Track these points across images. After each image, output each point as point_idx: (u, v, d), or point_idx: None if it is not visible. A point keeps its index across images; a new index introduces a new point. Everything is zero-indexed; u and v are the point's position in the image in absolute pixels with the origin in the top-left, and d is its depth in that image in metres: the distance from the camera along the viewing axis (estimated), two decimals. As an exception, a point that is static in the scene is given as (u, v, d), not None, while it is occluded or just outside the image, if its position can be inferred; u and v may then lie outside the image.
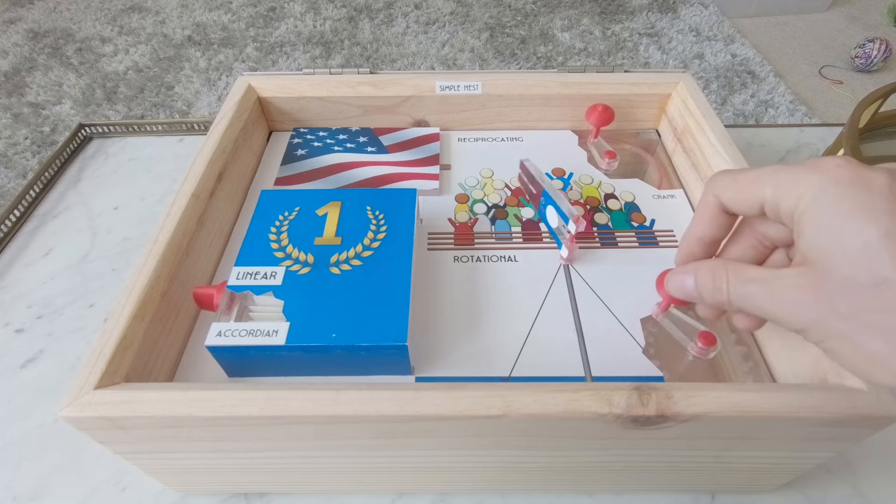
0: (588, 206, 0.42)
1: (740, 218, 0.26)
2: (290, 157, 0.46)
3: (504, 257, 0.38)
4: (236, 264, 0.32)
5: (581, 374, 0.32)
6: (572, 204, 0.42)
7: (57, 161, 0.54)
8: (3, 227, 0.47)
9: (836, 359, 0.21)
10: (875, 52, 1.63)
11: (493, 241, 0.40)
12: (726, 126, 0.42)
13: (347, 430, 0.26)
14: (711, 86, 1.62)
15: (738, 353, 0.33)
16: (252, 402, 0.25)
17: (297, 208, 0.36)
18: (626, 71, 0.47)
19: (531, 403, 0.25)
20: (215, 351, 0.29)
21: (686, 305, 0.29)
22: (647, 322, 0.34)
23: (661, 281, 0.29)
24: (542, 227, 0.41)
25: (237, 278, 0.32)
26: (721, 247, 0.28)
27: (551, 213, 0.38)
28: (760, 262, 0.26)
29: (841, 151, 0.50)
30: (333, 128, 0.49)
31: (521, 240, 0.40)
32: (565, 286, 0.37)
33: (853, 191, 0.20)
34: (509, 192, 0.44)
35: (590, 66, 0.47)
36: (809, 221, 0.21)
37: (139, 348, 0.28)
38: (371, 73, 0.47)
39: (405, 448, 0.27)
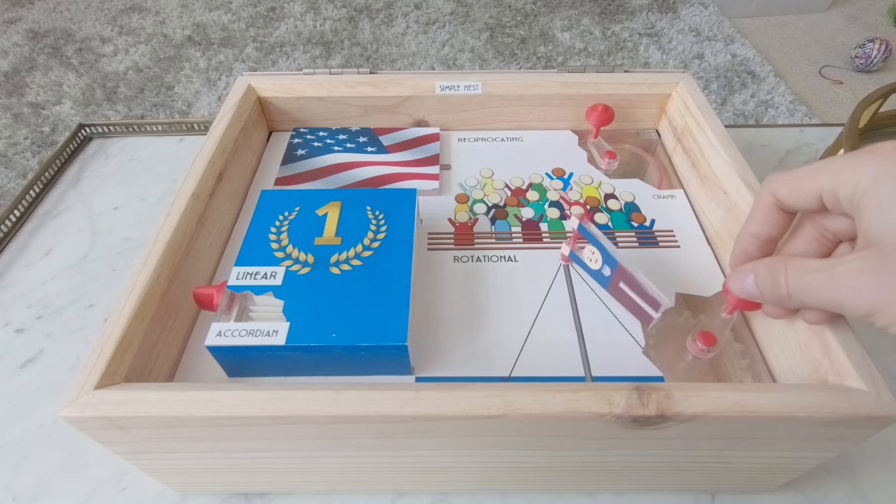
0: (588, 206, 0.42)
1: (797, 217, 0.26)
2: (290, 157, 0.46)
3: (504, 257, 0.38)
4: (236, 264, 0.32)
5: (581, 374, 0.32)
6: (572, 204, 0.42)
7: (57, 161, 0.54)
8: (3, 227, 0.47)
9: None
10: (875, 52, 1.63)
11: (493, 241, 0.40)
12: (726, 126, 0.42)
13: (347, 430, 0.26)
14: (711, 86, 1.62)
15: (738, 353, 0.33)
16: (252, 402, 0.25)
17: (297, 208, 0.36)
18: (626, 71, 0.47)
19: (531, 403, 0.25)
20: (215, 351, 0.29)
21: (754, 308, 0.28)
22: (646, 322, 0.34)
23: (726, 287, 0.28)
24: (543, 226, 0.41)
25: (237, 278, 0.32)
26: (783, 244, 0.27)
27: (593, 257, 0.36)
28: (825, 256, 0.26)
29: (841, 151, 0.50)
30: (333, 128, 0.49)
31: (521, 240, 0.40)
32: (565, 286, 0.37)
33: None
34: (509, 192, 0.44)
35: (590, 66, 0.47)
36: (869, 202, 0.21)
37: (139, 348, 0.28)
38: (371, 73, 0.47)
39: (405, 448, 0.27)
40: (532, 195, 0.43)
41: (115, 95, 1.59)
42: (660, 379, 0.31)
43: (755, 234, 0.27)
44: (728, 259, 0.37)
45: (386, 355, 0.30)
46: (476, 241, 0.40)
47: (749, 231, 0.27)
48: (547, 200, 0.43)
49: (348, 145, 0.47)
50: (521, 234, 0.40)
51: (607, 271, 0.34)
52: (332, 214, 0.35)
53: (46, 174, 0.52)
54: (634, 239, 0.40)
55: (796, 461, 0.29)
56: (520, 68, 1.70)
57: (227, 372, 0.31)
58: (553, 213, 0.42)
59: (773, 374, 0.31)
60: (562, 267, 0.38)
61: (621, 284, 0.34)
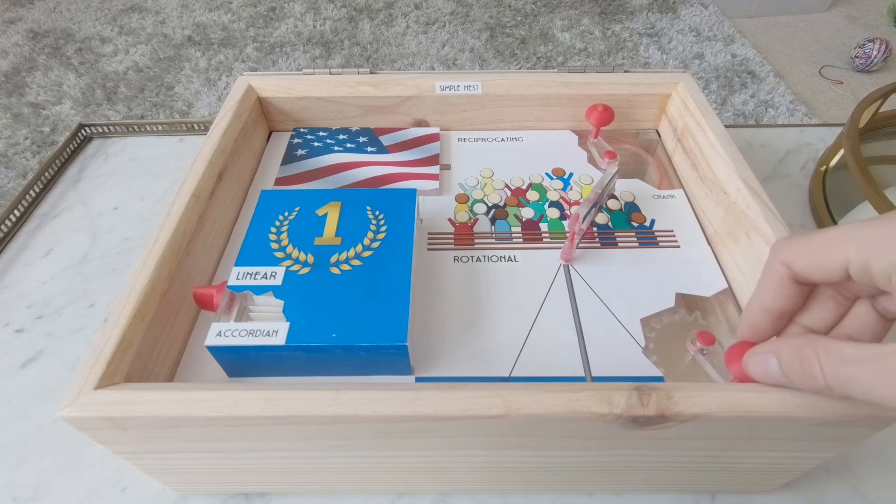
0: (588, 206, 0.42)
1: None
2: (290, 157, 0.46)
3: (504, 257, 0.38)
4: (236, 264, 0.32)
5: (581, 374, 0.32)
6: (571, 204, 0.42)
7: (57, 161, 0.54)
8: (3, 227, 0.47)
9: None
10: (875, 52, 1.63)
11: (493, 241, 0.40)
12: (726, 126, 0.42)
13: (347, 430, 0.26)
14: (711, 86, 1.62)
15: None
16: (252, 402, 0.25)
17: (297, 208, 0.36)
18: (626, 71, 0.47)
19: (531, 403, 0.25)
20: (215, 351, 0.29)
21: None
22: (647, 322, 0.34)
23: (731, 356, 0.26)
24: (543, 226, 0.41)
25: (237, 278, 0.32)
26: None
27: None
28: (840, 316, 0.24)
29: (841, 152, 0.50)
30: (333, 128, 0.49)
31: (521, 240, 0.40)
32: (565, 286, 0.37)
33: None
34: (509, 192, 0.44)
35: (590, 66, 0.47)
36: None
37: (139, 348, 0.28)
38: (371, 73, 0.47)
39: (405, 448, 0.27)
40: (532, 195, 0.43)
41: (115, 95, 1.59)
42: (660, 379, 0.31)
43: (767, 308, 0.24)
44: (727, 260, 0.37)
45: (386, 355, 0.30)
46: (476, 241, 0.40)
47: (760, 305, 0.24)
48: (547, 200, 0.43)
49: (348, 145, 0.47)
50: (521, 234, 0.40)
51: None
52: (332, 214, 0.35)
53: (46, 174, 0.52)
54: (634, 239, 0.40)
55: (796, 461, 0.29)
56: (520, 68, 1.70)
57: (227, 372, 0.31)
58: (553, 213, 0.42)
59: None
60: (562, 267, 0.38)
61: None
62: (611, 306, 0.35)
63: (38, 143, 1.44)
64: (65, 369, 0.39)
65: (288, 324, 0.29)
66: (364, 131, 0.49)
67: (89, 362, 0.26)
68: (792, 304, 0.24)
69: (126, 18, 1.90)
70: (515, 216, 0.42)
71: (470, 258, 0.38)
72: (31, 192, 0.51)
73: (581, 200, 0.43)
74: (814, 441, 0.27)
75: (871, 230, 0.20)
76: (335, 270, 0.32)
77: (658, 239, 0.40)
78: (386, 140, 0.48)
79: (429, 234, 0.40)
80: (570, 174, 0.45)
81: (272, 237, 0.34)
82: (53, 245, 0.47)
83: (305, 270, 0.32)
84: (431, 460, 0.29)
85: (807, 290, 0.24)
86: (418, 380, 0.31)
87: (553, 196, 0.43)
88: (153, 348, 0.30)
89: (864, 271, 0.20)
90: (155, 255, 0.31)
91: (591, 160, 0.47)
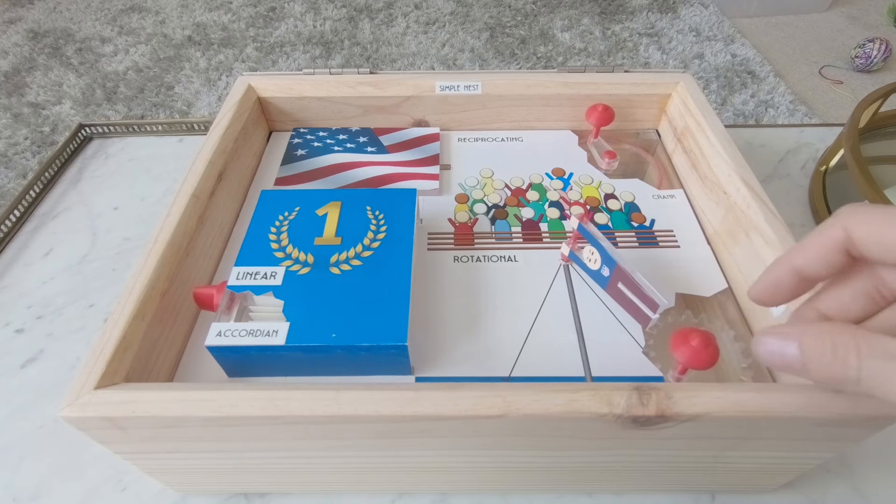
0: (588, 206, 0.42)
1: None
2: (290, 157, 0.46)
3: (504, 257, 0.38)
4: (236, 264, 0.32)
5: (581, 374, 0.32)
6: (571, 204, 0.42)
7: (57, 161, 0.54)
8: (3, 227, 0.47)
9: None
10: (875, 52, 1.64)
11: (493, 241, 0.40)
12: (726, 126, 0.42)
13: (347, 431, 0.26)
14: (711, 86, 1.62)
15: (738, 353, 0.33)
16: (252, 402, 0.25)
17: (297, 208, 0.36)
18: (626, 71, 0.47)
19: (531, 403, 0.25)
20: (215, 351, 0.29)
21: (709, 367, 0.25)
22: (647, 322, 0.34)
23: (676, 342, 0.25)
24: (543, 226, 0.41)
25: (237, 278, 0.32)
26: (816, 292, 0.23)
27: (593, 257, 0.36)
28: (868, 316, 0.22)
29: (841, 152, 0.50)
30: (333, 128, 0.49)
31: (521, 240, 0.40)
32: (565, 286, 0.37)
33: None
34: (509, 192, 0.44)
35: (590, 66, 0.47)
36: None
37: (139, 348, 0.28)
38: (371, 73, 0.47)
39: (405, 448, 0.27)
40: (532, 195, 0.43)
41: (115, 95, 1.59)
42: (660, 379, 0.31)
43: (799, 268, 0.21)
44: (727, 260, 0.37)
45: (386, 355, 0.30)
46: (476, 241, 0.40)
47: (793, 263, 0.22)
48: (547, 200, 0.43)
49: (348, 145, 0.47)
50: (521, 234, 0.40)
51: (606, 272, 0.34)
52: (332, 214, 0.35)
53: (46, 174, 0.52)
54: (634, 239, 0.40)
55: (796, 461, 0.29)
56: (520, 68, 1.70)
57: (227, 372, 0.31)
58: (553, 213, 0.42)
59: (773, 374, 0.31)
60: (562, 267, 0.38)
61: (619, 285, 0.33)
62: (611, 306, 0.35)
63: (38, 143, 1.44)
64: (65, 369, 0.39)
65: (288, 324, 0.29)
66: (364, 131, 0.49)
67: (89, 362, 0.26)
68: (826, 273, 0.21)
69: (126, 18, 1.90)
70: (515, 216, 0.42)
71: (470, 258, 0.38)
72: (31, 192, 0.51)
73: (581, 201, 0.43)
74: (814, 441, 0.27)
75: None
76: (335, 270, 0.32)
77: (658, 239, 0.40)
78: (386, 140, 0.48)
79: (429, 234, 0.40)
80: (570, 174, 0.45)
81: (272, 237, 0.34)
82: (53, 245, 0.47)
83: (305, 270, 0.32)
84: (431, 460, 0.29)
85: (848, 266, 0.21)
86: (418, 380, 0.31)
87: (553, 196, 0.43)
88: (153, 348, 0.30)
89: None
90: (155, 255, 0.31)
91: (591, 160, 0.47)
